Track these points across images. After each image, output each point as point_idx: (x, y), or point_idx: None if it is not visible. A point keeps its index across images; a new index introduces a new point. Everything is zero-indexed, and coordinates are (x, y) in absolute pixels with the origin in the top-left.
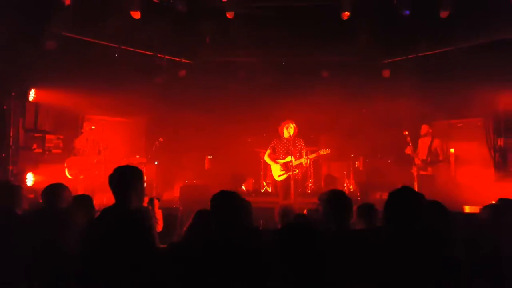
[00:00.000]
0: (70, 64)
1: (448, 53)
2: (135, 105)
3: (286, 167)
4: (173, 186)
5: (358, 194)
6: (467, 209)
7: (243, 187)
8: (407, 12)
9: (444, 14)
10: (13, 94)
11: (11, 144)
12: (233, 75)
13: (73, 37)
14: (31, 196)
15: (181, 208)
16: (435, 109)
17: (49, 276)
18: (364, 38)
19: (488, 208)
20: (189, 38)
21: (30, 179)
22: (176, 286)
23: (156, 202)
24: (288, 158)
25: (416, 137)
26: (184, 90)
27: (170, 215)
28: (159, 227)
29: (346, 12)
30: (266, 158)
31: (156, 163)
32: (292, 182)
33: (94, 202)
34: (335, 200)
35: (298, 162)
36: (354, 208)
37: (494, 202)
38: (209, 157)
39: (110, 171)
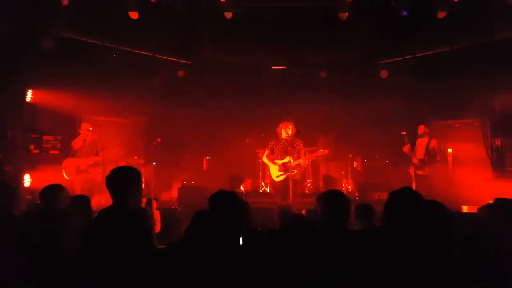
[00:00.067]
0: (67, 65)
1: (445, 54)
2: (133, 106)
3: (284, 167)
4: (171, 187)
5: (357, 194)
6: (465, 209)
7: (242, 188)
8: (405, 13)
9: (441, 15)
10: (10, 94)
11: (8, 145)
12: (231, 76)
13: (70, 37)
14: (29, 197)
15: (179, 209)
16: (432, 109)
17: (47, 277)
18: (361, 39)
19: (485, 208)
20: (188, 39)
21: (27, 180)
22: (175, 286)
23: (154, 203)
24: (287, 159)
25: (413, 137)
26: (182, 91)
27: (168, 216)
28: (157, 228)
29: (344, 13)
30: (265, 159)
31: (154, 164)
32: (290, 183)
33: (92, 203)
34: (334, 200)
35: (296, 162)
36: (352, 208)
37: (491, 202)
38: (207, 158)
39: (108, 172)
